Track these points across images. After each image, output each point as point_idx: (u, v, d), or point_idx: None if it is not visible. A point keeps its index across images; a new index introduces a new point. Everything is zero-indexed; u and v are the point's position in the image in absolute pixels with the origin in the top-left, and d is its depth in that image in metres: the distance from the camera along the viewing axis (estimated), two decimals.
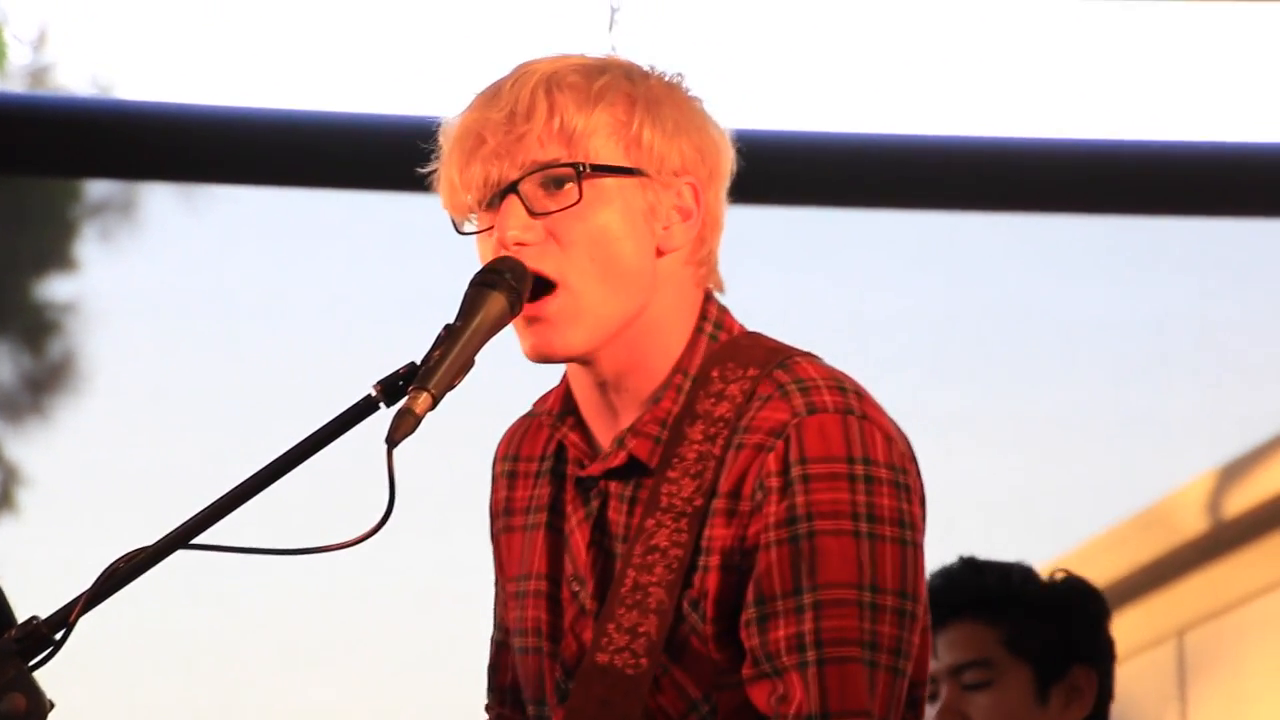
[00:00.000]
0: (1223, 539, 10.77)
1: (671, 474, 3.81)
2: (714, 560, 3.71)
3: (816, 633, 3.62)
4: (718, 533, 3.71)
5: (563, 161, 3.74)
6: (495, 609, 4.14)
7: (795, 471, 3.67)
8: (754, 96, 9.14)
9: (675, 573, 3.76)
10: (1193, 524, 10.87)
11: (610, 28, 5.79)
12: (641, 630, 3.76)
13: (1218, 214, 9.96)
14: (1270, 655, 8.80)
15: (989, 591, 5.85)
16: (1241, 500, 10.50)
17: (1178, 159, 9.45)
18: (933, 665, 5.00)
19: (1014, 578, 5.96)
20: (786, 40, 10.22)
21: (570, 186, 3.74)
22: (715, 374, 3.88)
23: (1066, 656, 5.84)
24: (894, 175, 9.50)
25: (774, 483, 3.67)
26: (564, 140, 3.73)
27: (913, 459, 3.82)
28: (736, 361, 3.90)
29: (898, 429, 3.83)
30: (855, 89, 10.65)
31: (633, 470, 3.78)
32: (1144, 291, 13.23)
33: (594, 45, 4.12)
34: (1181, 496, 10.92)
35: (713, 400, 3.87)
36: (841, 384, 3.79)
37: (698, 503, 3.74)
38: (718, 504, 3.74)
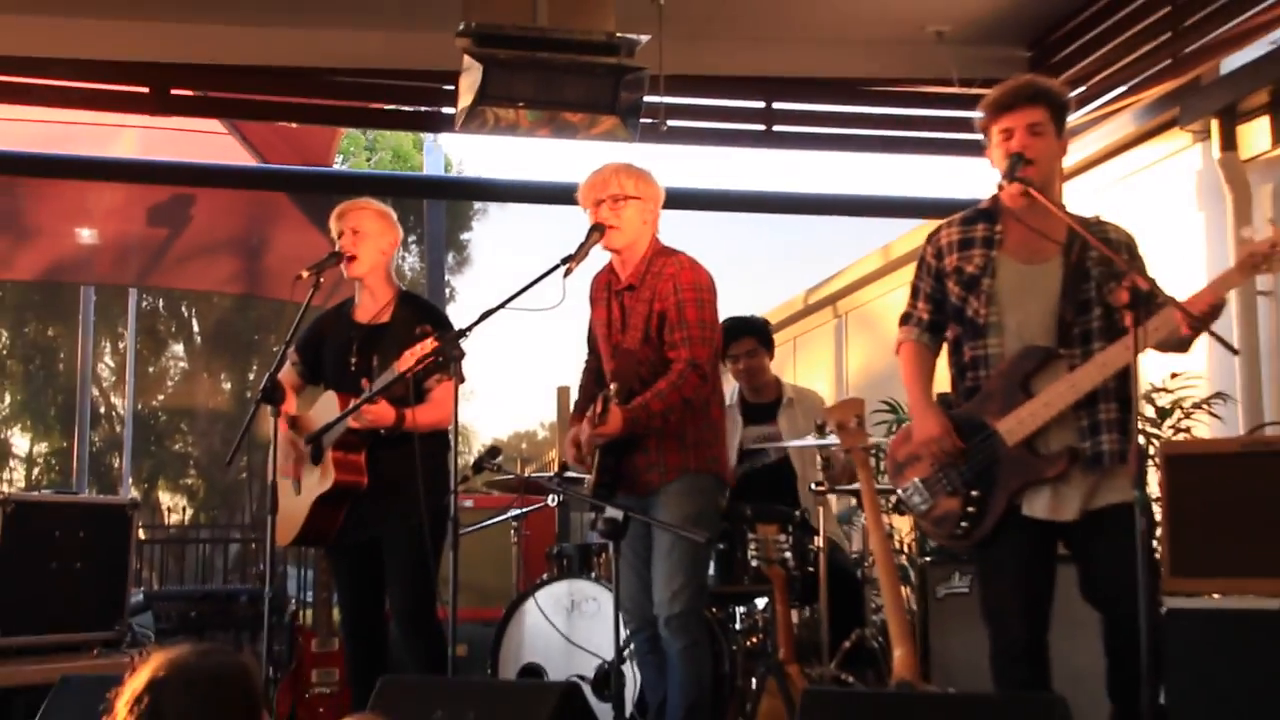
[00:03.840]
0: (863, 285, 10.27)
1: (642, 290, 4.36)
2: (655, 316, 4.30)
3: (689, 337, 4.25)
4: (655, 306, 4.31)
5: (615, 194, 4.33)
6: (589, 331, 4.65)
7: (679, 287, 4.30)
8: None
9: (644, 318, 4.31)
10: (855, 274, 10.32)
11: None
12: (636, 336, 4.32)
13: None
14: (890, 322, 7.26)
15: (753, 327, 5.83)
16: (869, 266, 10.02)
17: None
18: (730, 358, 5.69)
19: (756, 321, 5.92)
20: None
21: (618, 204, 4.33)
22: (655, 259, 4.38)
23: (772, 339, 5.92)
24: None
25: (670, 288, 4.30)
26: (611, 186, 4.34)
27: (713, 284, 4.35)
28: (660, 255, 4.39)
29: (708, 272, 4.37)
30: None
31: (630, 288, 4.38)
32: None
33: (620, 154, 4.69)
34: (845, 272, 10.57)
35: (654, 266, 4.36)
36: (693, 259, 4.38)
37: (650, 298, 4.33)
38: (655, 297, 4.31)
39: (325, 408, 4.64)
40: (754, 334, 5.83)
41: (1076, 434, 3.63)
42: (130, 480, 15.26)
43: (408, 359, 4.13)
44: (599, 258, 4.45)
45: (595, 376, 4.58)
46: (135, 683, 2.04)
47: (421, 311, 4.71)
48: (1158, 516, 3.93)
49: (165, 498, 20.29)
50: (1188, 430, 5.65)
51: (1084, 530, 3.64)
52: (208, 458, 19.76)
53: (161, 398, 20.70)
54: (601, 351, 4.49)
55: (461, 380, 4.23)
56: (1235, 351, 3.56)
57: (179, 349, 20.84)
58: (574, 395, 4.72)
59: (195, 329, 20.52)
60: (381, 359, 4.49)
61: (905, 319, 3.95)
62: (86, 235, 9.04)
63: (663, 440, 4.26)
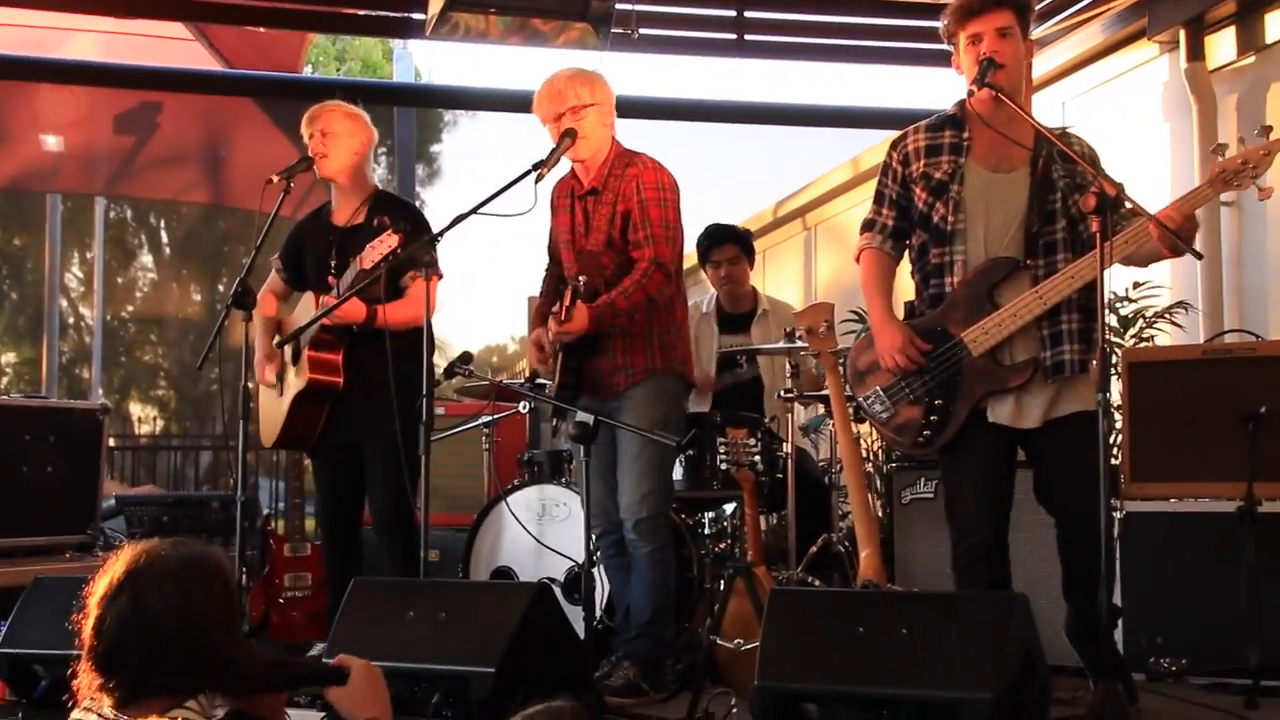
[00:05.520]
0: (832, 198, 10.20)
1: (605, 193, 4.31)
2: (619, 217, 4.25)
3: (652, 235, 4.22)
4: (619, 208, 4.25)
5: (574, 105, 4.24)
6: (549, 239, 4.58)
7: (641, 186, 4.25)
8: None
9: (608, 220, 4.28)
10: (823, 186, 10.20)
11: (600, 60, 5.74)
12: (600, 239, 4.29)
13: None
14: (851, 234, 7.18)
15: (736, 234, 5.90)
16: (838, 178, 9.97)
17: None
18: (712, 264, 5.76)
19: (739, 230, 6.00)
20: None
21: (579, 114, 4.25)
22: (616, 161, 4.33)
23: (753, 249, 5.93)
24: None
25: (634, 188, 4.25)
26: (569, 98, 4.26)
27: (676, 184, 4.31)
28: (620, 158, 4.33)
29: (670, 173, 4.32)
30: None
31: (594, 192, 4.33)
32: None
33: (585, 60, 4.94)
34: (814, 185, 10.45)
35: (615, 169, 4.31)
36: (656, 160, 4.33)
37: (614, 200, 4.28)
38: (618, 199, 4.27)
39: (305, 310, 4.63)
40: (737, 241, 5.83)
41: (1038, 343, 3.65)
42: (100, 391, 15.17)
43: (369, 254, 4.10)
44: (563, 165, 4.37)
45: (555, 284, 4.52)
46: (110, 575, 1.99)
47: (395, 209, 4.63)
48: (1118, 424, 3.98)
49: (136, 409, 20.18)
50: (1150, 339, 5.69)
51: (1043, 437, 3.67)
52: (178, 368, 19.63)
53: (131, 308, 20.51)
54: (564, 258, 4.43)
55: (440, 276, 4.16)
56: (1199, 256, 3.56)
57: (148, 259, 20.60)
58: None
59: (164, 239, 20.29)
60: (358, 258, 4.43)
61: (869, 225, 3.92)
62: (52, 143, 8.89)
63: (629, 342, 4.23)
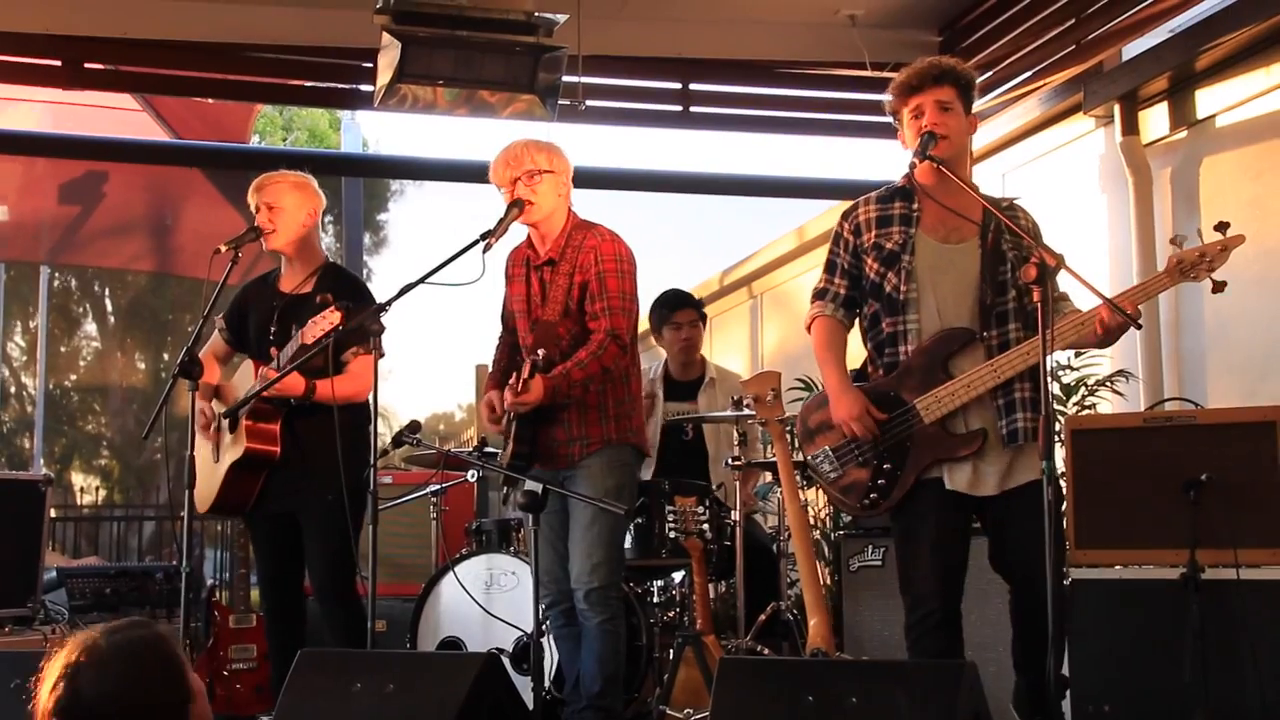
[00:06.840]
0: (777, 266, 10.29)
1: (562, 264, 4.31)
2: (576, 288, 4.25)
3: (609, 307, 4.21)
4: (576, 279, 4.26)
5: (529, 170, 4.25)
6: (503, 307, 4.59)
7: (600, 258, 4.25)
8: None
9: (565, 291, 4.27)
10: (769, 255, 10.28)
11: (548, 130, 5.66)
12: (557, 309, 4.27)
13: None
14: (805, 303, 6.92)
15: (693, 300, 5.98)
16: (784, 247, 10.08)
17: None
18: (672, 326, 5.81)
19: (691, 297, 5.99)
20: None
21: (533, 179, 4.25)
22: (574, 232, 4.33)
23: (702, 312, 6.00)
24: None
25: (591, 259, 4.25)
26: (525, 162, 4.26)
27: (633, 256, 4.29)
28: (577, 229, 4.33)
29: (628, 245, 4.31)
30: None
31: (550, 263, 4.33)
32: None
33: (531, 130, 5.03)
34: (760, 253, 10.51)
35: (573, 240, 4.31)
36: (614, 232, 4.34)
37: (570, 271, 4.28)
38: (575, 270, 4.27)
39: (244, 376, 4.61)
40: (695, 306, 5.90)
41: (993, 413, 3.68)
42: (42, 460, 14.92)
43: (311, 330, 4.09)
44: (515, 235, 4.37)
45: (510, 351, 4.51)
46: (51, 671, 1.97)
47: (342, 284, 4.62)
48: (1065, 491, 3.98)
49: (78, 478, 19.84)
50: (1092, 407, 5.74)
51: (999, 505, 3.68)
52: (122, 438, 19.35)
53: (74, 377, 20.23)
54: (519, 326, 4.42)
55: (381, 354, 4.15)
56: (1139, 326, 3.61)
57: (92, 328, 20.36)
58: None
59: (109, 308, 20.07)
60: (299, 329, 4.39)
61: (821, 294, 3.94)
62: None
63: (584, 412, 4.21)
